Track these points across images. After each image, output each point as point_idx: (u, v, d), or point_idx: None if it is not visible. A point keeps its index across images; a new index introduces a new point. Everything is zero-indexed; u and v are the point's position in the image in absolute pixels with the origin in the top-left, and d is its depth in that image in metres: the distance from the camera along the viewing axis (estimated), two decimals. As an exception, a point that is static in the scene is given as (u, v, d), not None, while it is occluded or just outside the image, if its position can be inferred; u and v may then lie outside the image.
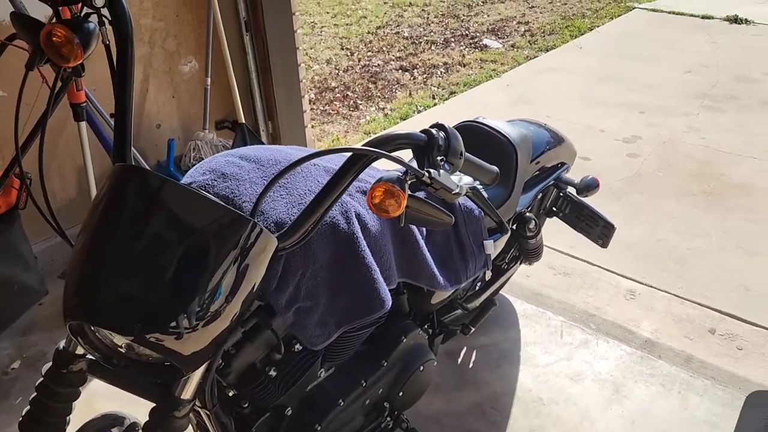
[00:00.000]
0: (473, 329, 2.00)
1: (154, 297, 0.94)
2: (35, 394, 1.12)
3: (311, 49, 6.29)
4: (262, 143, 3.08)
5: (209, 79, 2.97)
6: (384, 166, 1.49)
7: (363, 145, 1.05)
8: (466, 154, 1.15)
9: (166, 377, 1.07)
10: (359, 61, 5.84)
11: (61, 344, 1.11)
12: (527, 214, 1.97)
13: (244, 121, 3.01)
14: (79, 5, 0.98)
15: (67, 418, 1.16)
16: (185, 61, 3.02)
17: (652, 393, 2.12)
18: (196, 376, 1.12)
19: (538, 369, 2.23)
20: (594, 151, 3.75)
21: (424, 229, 1.60)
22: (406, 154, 1.11)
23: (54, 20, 0.98)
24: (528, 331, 2.40)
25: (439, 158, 1.05)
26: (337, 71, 5.62)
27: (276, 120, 3.27)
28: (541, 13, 6.95)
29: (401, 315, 1.79)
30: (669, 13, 6.54)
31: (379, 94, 5.00)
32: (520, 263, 2.27)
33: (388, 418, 1.75)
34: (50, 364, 1.12)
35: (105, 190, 0.94)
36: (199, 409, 1.31)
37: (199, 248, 0.94)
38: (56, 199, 2.71)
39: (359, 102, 4.87)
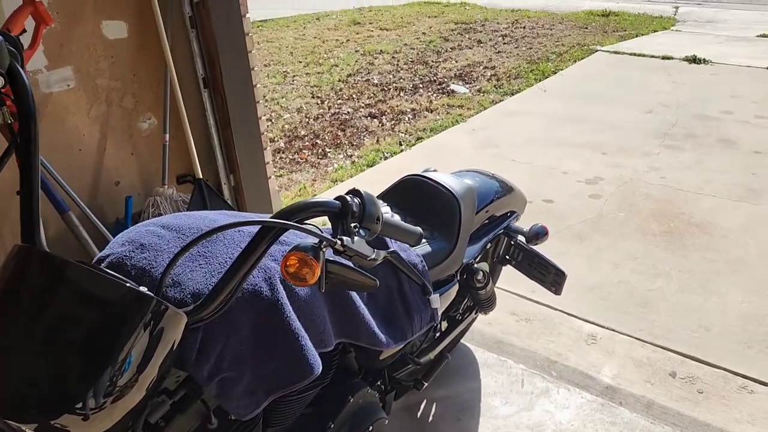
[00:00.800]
0: (426, 384, 1.98)
1: (56, 380, 0.91)
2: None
3: (282, 98, 6.37)
4: (221, 198, 3.07)
5: (167, 136, 2.98)
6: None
7: (276, 215, 1.05)
8: (386, 217, 1.15)
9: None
10: (329, 109, 5.92)
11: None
12: (475, 265, 1.97)
13: (201, 177, 3.00)
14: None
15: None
16: (144, 118, 3.02)
17: (613, 442, 2.09)
18: (114, 455, 1.08)
19: (499, 421, 2.20)
20: (557, 193, 3.79)
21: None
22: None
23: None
24: (489, 381, 2.37)
25: (353, 225, 1.05)
26: (307, 119, 5.68)
27: (238, 173, 3.27)
28: (507, 57, 7.12)
29: (350, 374, 1.77)
30: (630, 54, 6.74)
31: (347, 141, 5.05)
32: (476, 313, 2.25)
33: (338, 482, 1.70)
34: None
35: (3, 271, 0.93)
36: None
37: (101, 328, 0.92)
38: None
39: (328, 150, 4.91)
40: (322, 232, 1.05)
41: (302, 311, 1.30)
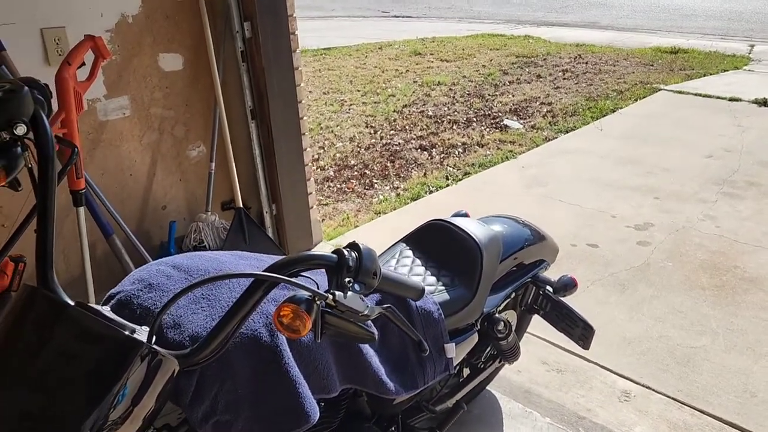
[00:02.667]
0: (441, 434, 1.94)
1: (50, 416, 0.95)
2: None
3: (337, 126, 6.49)
4: (259, 227, 3.14)
5: (213, 164, 3.09)
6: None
7: (272, 267, 1.07)
8: (386, 271, 1.15)
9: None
10: (381, 139, 5.98)
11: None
12: (497, 314, 1.93)
13: (242, 205, 3.09)
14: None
15: None
16: (193, 146, 3.15)
17: None
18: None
19: (518, 475, 2.13)
20: (603, 237, 3.69)
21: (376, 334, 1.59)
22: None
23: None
24: (511, 433, 2.31)
25: (347, 279, 1.06)
26: (359, 149, 5.75)
27: (280, 203, 3.35)
28: (565, 93, 7.03)
29: (361, 418, 1.76)
30: (695, 95, 6.52)
31: (395, 173, 5.08)
32: (500, 362, 2.21)
33: None
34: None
35: (10, 310, 0.98)
36: None
37: (94, 368, 0.96)
38: (60, 279, 2.80)
39: (375, 181, 4.96)
40: (318, 286, 1.07)
41: (304, 357, 1.31)
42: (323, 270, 1.09)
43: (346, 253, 1.08)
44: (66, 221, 2.77)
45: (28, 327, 0.96)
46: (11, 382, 0.95)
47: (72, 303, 0.99)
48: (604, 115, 6.08)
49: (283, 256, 1.10)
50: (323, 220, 4.27)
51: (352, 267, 1.07)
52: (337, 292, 1.03)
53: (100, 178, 2.81)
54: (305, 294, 1.02)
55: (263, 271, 1.03)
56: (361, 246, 1.10)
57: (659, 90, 6.81)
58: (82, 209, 2.48)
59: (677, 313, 2.97)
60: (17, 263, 2.25)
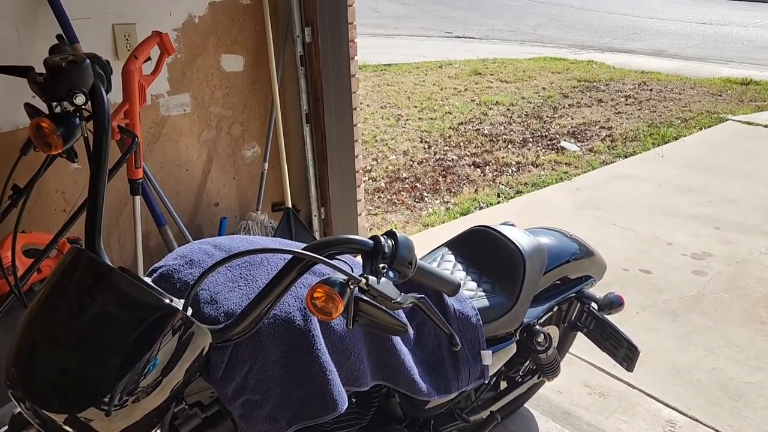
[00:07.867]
0: (472, 443, 1.90)
1: (84, 374, 0.98)
2: (-8, 455, 1.17)
3: (392, 140, 6.52)
4: (307, 228, 3.18)
5: (266, 164, 3.15)
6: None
7: (309, 247, 1.08)
8: (422, 263, 1.15)
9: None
10: (435, 154, 5.98)
11: (17, 409, 1.17)
12: (537, 327, 1.88)
13: (290, 206, 3.14)
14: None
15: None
16: (248, 146, 3.23)
17: None
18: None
19: (551, 497, 2.06)
20: (657, 264, 3.56)
21: (411, 332, 1.58)
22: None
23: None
24: (547, 453, 2.24)
25: (381, 266, 1.06)
26: (411, 162, 5.76)
27: (329, 207, 3.38)
28: (627, 119, 6.86)
29: (391, 419, 1.74)
30: (765, 126, 6.26)
31: (446, 187, 5.06)
32: (539, 378, 2.15)
33: None
34: (6, 428, 1.18)
35: (56, 269, 1.02)
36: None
37: (130, 332, 0.98)
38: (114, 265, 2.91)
39: (425, 194, 4.95)
40: (352, 270, 1.07)
41: (336, 346, 1.31)
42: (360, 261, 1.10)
43: (382, 239, 1.08)
44: (123, 211, 2.88)
45: (71, 286, 0.99)
46: (52, 337, 0.98)
47: (115, 267, 1.02)
48: (666, 143, 5.90)
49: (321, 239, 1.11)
50: (371, 229, 4.29)
51: (388, 254, 1.07)
52: (370, 277, 1.03)
53: (158, 170, 2.91)
54: (340, 277, 1.03)
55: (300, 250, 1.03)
56: (398, 234, 1.10)
57: (726, 120, 6.56)
58: (138, 198, 2.57)
59: (732, 346, 2.83)
60: (74, 245, 2.35)
